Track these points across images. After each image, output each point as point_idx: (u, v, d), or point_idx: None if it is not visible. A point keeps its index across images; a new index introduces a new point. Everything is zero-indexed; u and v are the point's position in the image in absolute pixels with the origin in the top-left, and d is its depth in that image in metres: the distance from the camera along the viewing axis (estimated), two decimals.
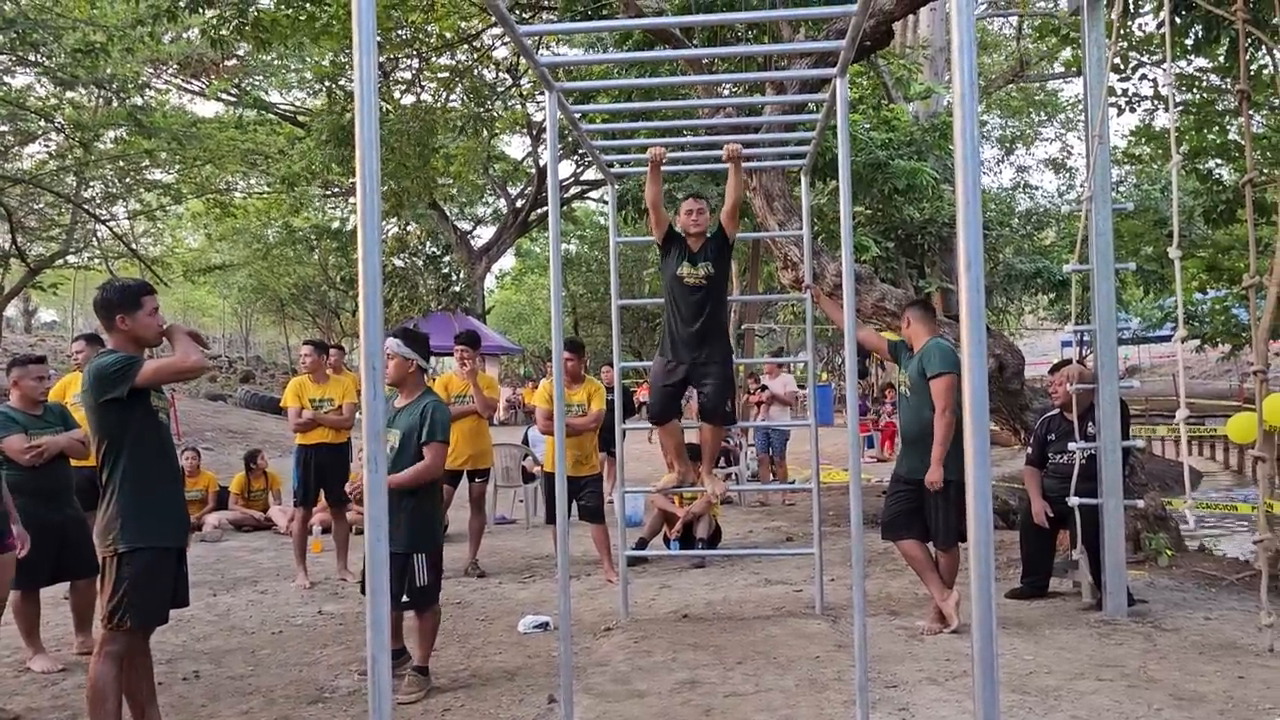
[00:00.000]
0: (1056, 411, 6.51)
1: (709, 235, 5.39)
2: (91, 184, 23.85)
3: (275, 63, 24.09)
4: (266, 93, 26.52)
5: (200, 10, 10.65)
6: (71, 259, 26.25)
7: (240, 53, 19.76)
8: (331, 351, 7.73)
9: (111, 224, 25.88)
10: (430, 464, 4.76)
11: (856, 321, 4.45)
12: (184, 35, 19.46)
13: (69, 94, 19.59)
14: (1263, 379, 5.76)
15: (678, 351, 5.37)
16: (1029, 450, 6.81)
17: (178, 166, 23.95)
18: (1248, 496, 11.18)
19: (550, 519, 7.64)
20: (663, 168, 5.23)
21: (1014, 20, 24.57)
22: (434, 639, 4.91)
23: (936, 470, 5.36)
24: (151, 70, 23.21)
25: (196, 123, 22.34)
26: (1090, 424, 6.04)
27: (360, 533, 5.24)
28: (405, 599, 4.70)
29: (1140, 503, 6.33)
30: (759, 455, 11.89)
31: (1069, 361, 6.79)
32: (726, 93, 11.52)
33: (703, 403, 5.44)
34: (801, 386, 14.47)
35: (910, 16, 16.62)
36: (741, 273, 25.46)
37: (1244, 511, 8.87)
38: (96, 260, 30.80)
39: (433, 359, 34.78)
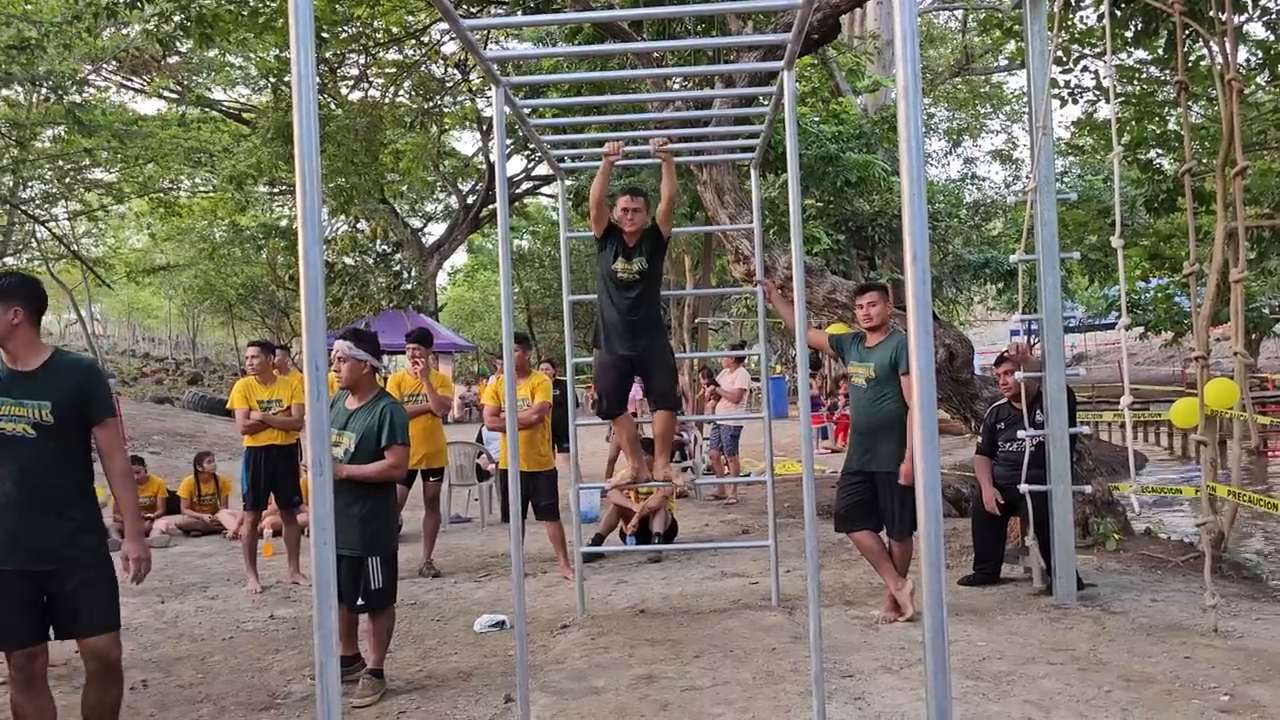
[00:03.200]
0: (1005, 400, 6.59)
1: (644, 230, 5.37)
2: (30, 184, 23.29)
3: (219, 59, 23.68)
4: (210, 90, 26.07)
5: (140, 6, 10.43)
6: (10, 261, 25.64)
7: (182, 49, 19.40)
8: (277, 352, 7.61)
9: (51, 225, 25.30)
10: (394, 464, 4.73)
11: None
12: (123, 31, 19.05)
13: (3, 92, 19.11)
14: (1204, 365, 5.88)
15: (615, 345, 5.36)
16: (979, 439, 6.89)
17: (119, 165, 23.49)
18: (1191, 478, 11.43)
19: (507, 516, 7.60)
20: (617, 162, 5.20)
21: (959, 14, 24.89)
22: (389, 642, 4.86)
23: (910, 464, 5.35)
24: (90, 67, 22.69)
25: (138, 120, 21.93)
26: (1039, 411, 6.12)
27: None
28: (360, 602, 4.66)
29: (1088, 488, 6.43)
30: (711, 450, 11.92)
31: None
32: (677, 87, 11.52)
33: (653, 390, 5.44)
34: (755, 380, 14.52)
35: (857, 10, 16.74)
36: (695, 267, 25.55)
37: (1188, 495, 9.06)
38: (36, 262, 30.09)
39: (385, 357, 34.53)
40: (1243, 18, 8.96)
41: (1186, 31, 6.83)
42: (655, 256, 5.39)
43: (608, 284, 5.37)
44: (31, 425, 3.47)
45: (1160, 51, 10.10)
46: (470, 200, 32.19)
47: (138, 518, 3.78)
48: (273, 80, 16.87)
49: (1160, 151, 12.80)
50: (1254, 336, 23.84)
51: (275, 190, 29.98)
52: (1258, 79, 11.18)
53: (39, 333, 3.62)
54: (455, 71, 22.62)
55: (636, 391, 12.22)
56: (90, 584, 3.55)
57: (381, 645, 4.79)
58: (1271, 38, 10.00)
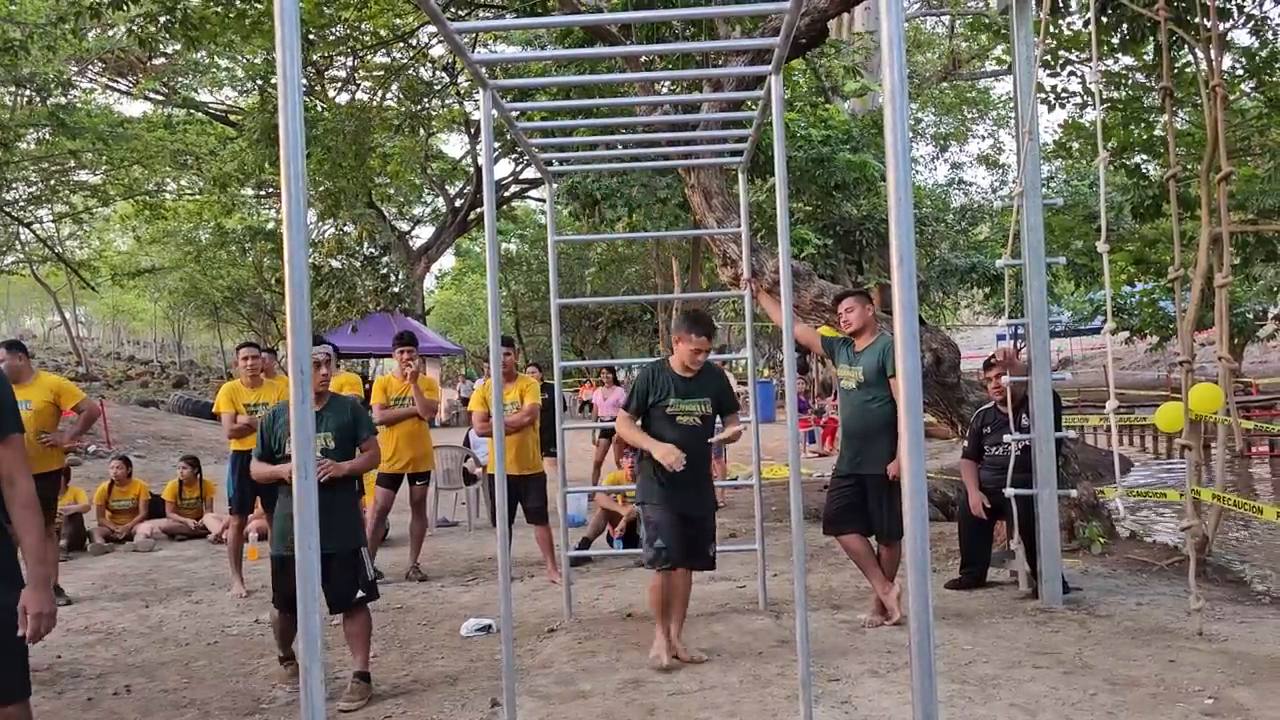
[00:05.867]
0: (992, 404, 6.61)
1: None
2: (14, 186, 23.15)
3: (205, 61, 23.62)
4: (196, 92, 25.97)
5: (125, 7, 10.38)
6: None
7: (168, 51, 19.33)
8: (263, 355, 7.58)
9: (35, 227, 25.16)
10: (375, 455, 5.10)
11: (794, 318, 4.46)
12: (109, 32, 18.97)
13: None
14: (1189, 369, 5.91)
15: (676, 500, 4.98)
16: (965, 443, 6.90)
17: (105, 167, 23.40)
18: (1176, 481, 11.49)
19: (496, 520, 7.59)
20: (604, 165, 5.19)
21: (946, 19, 25.01)
22: (370, 639, 4.86)
23: (898, 464, 5.36)
24: (75, 68, 22.59)
25: (123, 122, 21.83)
26: (1025, 416, 6.14)
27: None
28: (361, 594, 4.73)
29: (1074, 492, 6.45)
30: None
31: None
32: (665, 91, 11.53)
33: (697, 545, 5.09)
34: (742, 384, 14.53)
35: (845, 14, 16.79)
36: (683, 270, 25.57)
37: (1172, 498, 9.10)
38: (20, 264, 29.90)
39: (372, 360, 34.39)
40: (1228, 24, 9.03)
41: (1172, 38, 6.89)
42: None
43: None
44: None
45: (1146, 57, 10.16)
46: (458, 203, 32.16)
47: (43, 560, 2.92)
48: (259, 82, 16.82)
49: (1146, 157, 12.88)
50: (1238, 341, 24.04)
51: (262, 193, 29.89)
52: (1243, 85, 11.26)
53: None
54: (443, 74, 22.61)
55: (620, 396, 12.25)
56: None
57: (365, 645, 4.78)
58: (1256, 44, 10.07)
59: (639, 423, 4.99)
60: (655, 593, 4.92)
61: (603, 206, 14.27)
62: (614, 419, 12.09)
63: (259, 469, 4.93)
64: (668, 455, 4.67)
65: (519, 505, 7.02)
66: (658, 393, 4.94)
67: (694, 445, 4.90)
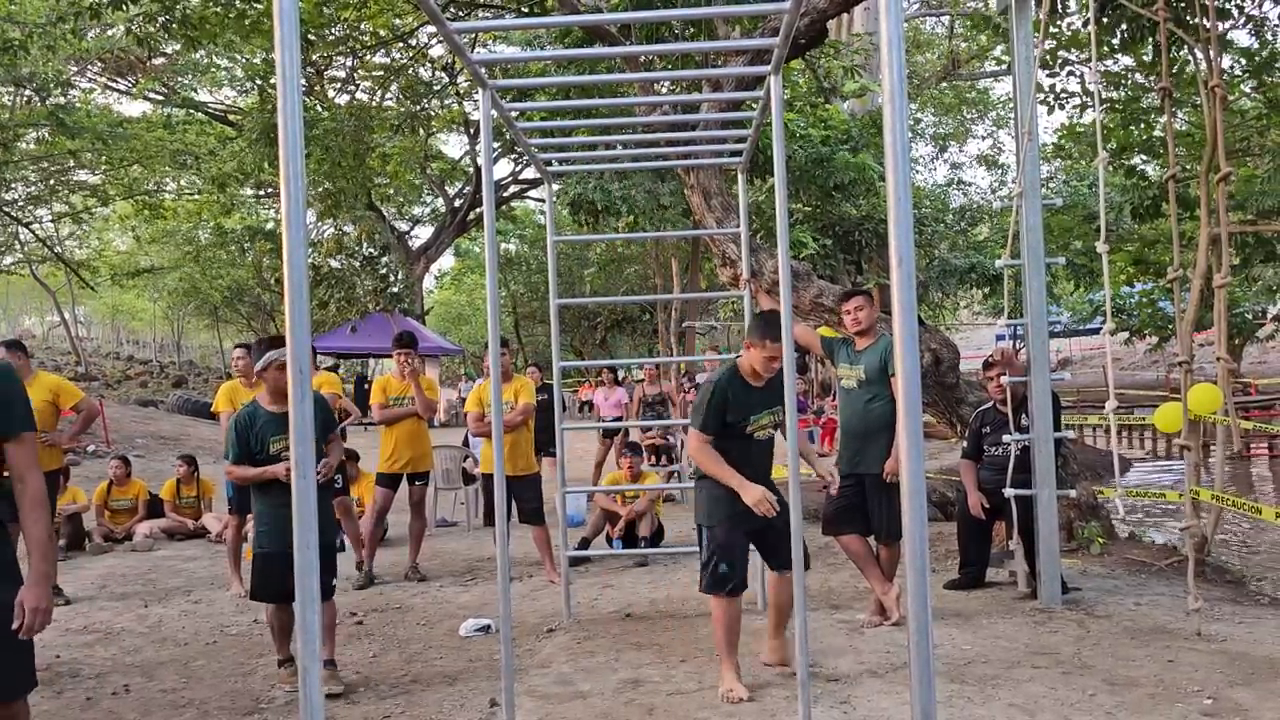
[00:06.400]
0: (991, 404, 6.61)
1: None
2: (13, 186, 23.16)
3: (205, 61, 23.62)
4: (196, 91, 25.97)
5: (124, 7, 10.39)
6: None
7: (168, 51, 19.33)
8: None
9: (35, 227, 25.16)
10: (340, 450, 5.34)
11: (793, 319, 4.45)
12: (108, 32, 18.97)
13: None
14: (1188, 370, 5.92)
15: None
16: (964, 444, 6.90)
17: (104, 167, 23.40)
18: (1176, 484, 11.50)
19: (489, 520, 7.59)
20: (604, 166, 5.17)
21: (945, 20, 25.01)
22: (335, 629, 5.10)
23: (894, 462, 5.37)
24: (75, 68, 22.59)
25: (123, 122, 21.83)
26: (1024, 415, 6.14)
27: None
28: (333, 585, 4.89)
29: (1073, 493, 6.45)
30: None
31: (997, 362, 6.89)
32: (664, 91, 11.53)
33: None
34: None
35: (844, 15, 16.80)
36: (683, 270, 25.57)
37: (1172, 499, 9.11)
38: (20, 264, 29.89)
39: (371, 360, 34.37)
40: (1227, 25, 9.04)
41: (1172, 38, 6.89)
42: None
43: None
44: None
45: (1146, 58, 10.16)
46: (457, 203, 32.17)
47: (47, 558, 2.99)
48: (258, 82, 16.82)
49: (1145, 157, 12.89)
50: (1237, 341, 24.05)
51: (261, 193, 29.89)
52: (1242, 86, 11.27)
53: None
54: (442, 74, 22.61)
55: (621, 396, 12.24)
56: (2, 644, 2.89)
57: (334, 634, 5.01)
58: (1256, 45, 10.08)
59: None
60: (718, 623, 4.52)
61: (606, 215, 14.31)
62: (616, 419, 12.10)
63: (243, 472, 4.83)
64: (760, 504, 4.27)
65: (513, 506, 7.02)
66: (738, 411, 4.46)
67: (765, 456, 4.63)
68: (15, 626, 2.86)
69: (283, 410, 4.83)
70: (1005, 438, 6.01)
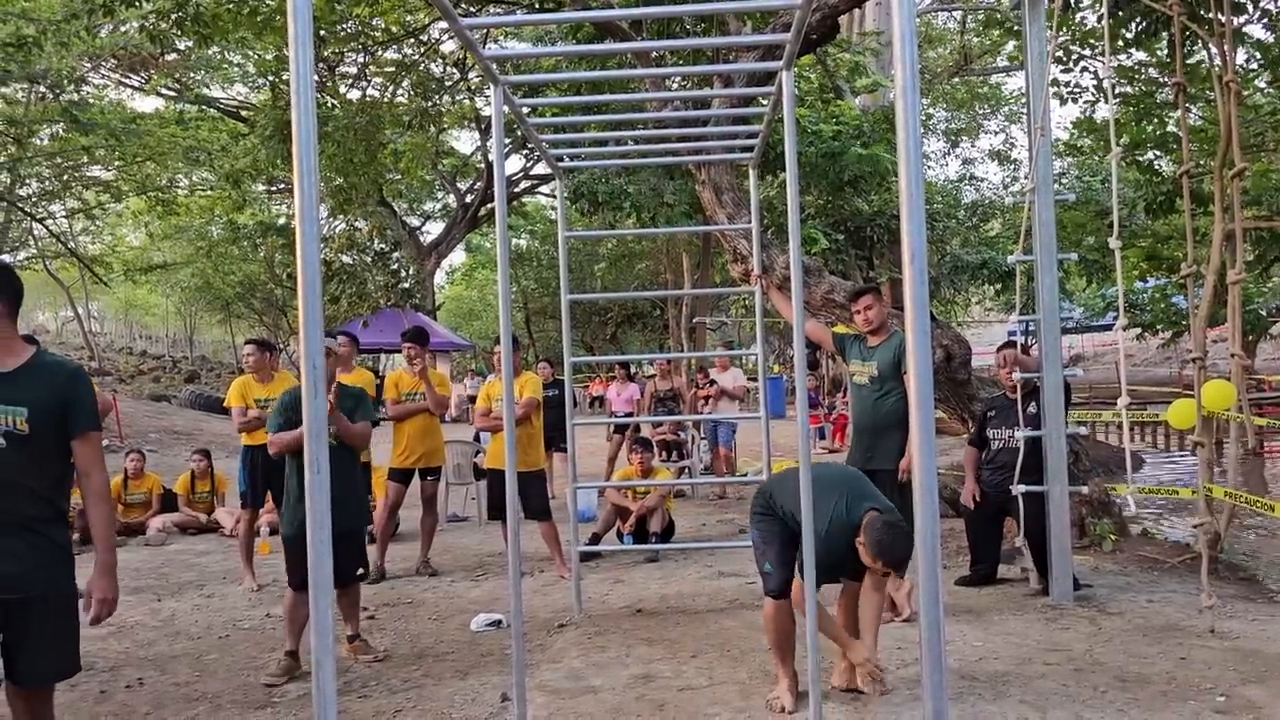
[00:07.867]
0: (1000, 394, 6.59)
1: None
2: (27, 182, 23.27)
3: (217, 57, 23.67)
4: (208, 87, 26.04)
5: (137, 4, 10.41)
6: (6, 258, 25.66)
7: (180, 47, 19.38)
8: (265, 353, 7.59)
9: (48, 222, 25.28)
10: (365, 430, 5.35)
11: (804, 314, 4.44)
12: (121, 29, 19.03)
13: (1, 89, 19.08)
14: (1201, 366, 5.89)
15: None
16: (971, 432, 6.88)
17: (117, 163, 23.49)
18: (1188, 480, 11.44)
19: (491, 516, 7.62)
20: (615, 161, 5.19)
21: (958, 15, 24.91)
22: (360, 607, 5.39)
23: (908, 460, 5.37)
24: (88, 64, 22.67)
25: (136, 119, 21.91)
26: (1032, 404, 6.11)
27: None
28: (360, 570, 5.24)
29: (1085, 489, 6.43)
30: (712, 448, 11.95)
31: (1013, 344, 6.86)
32: (676, 87, 11.52)
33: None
34: (752, 379, 14.55)
35: (856, 11, 16.75)
36: (694, 266, 25.55)
37: (1185, 496, 9.06)
38: (34, 260, 30.03)
39: (383, 356, 34.43)
40: (1242, 19, 8.96)
41: (1186, 32, 6.84)
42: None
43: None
44: (2, 434, 3.01)
45: (1160, 53, 10.10)
46: (468, 199, 32.18)
47: (110, 549, 3.19)
48: (271, 78, 16.84)
49: (1159, 153, 12.80)
50: (1251, 338, 23.87)
51: (273, 189, 29.96)
52: (1257, 81, 11.18)
53: (16, 329, 3.19)
54: (454, 70, 22.60)
55: (634, 392, 12.24)
56: (52, 626, 3.08)
57: (359, 613, 5.36)
58: (1271, 39, 10.00)
59: None
60: (769, 622, 4.32)
61: (605, 209, 14.29)
62: (628, 414, 12.10)
63: (279, 436, 5.10)
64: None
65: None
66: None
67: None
68: (91, 617, 3.11)
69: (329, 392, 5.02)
70: (1017, 434, 5.98)
